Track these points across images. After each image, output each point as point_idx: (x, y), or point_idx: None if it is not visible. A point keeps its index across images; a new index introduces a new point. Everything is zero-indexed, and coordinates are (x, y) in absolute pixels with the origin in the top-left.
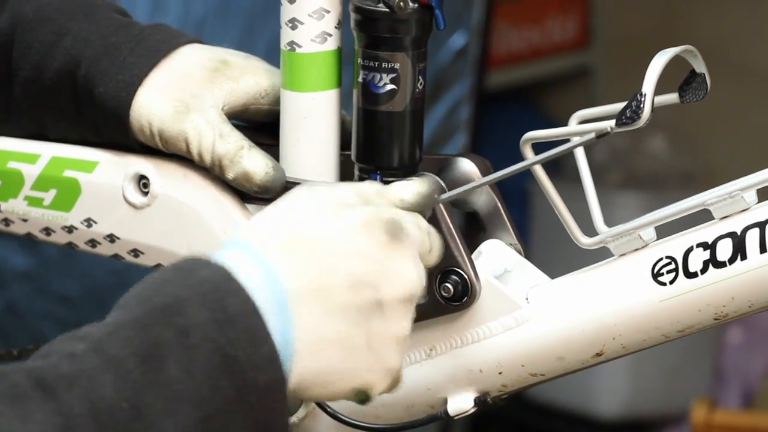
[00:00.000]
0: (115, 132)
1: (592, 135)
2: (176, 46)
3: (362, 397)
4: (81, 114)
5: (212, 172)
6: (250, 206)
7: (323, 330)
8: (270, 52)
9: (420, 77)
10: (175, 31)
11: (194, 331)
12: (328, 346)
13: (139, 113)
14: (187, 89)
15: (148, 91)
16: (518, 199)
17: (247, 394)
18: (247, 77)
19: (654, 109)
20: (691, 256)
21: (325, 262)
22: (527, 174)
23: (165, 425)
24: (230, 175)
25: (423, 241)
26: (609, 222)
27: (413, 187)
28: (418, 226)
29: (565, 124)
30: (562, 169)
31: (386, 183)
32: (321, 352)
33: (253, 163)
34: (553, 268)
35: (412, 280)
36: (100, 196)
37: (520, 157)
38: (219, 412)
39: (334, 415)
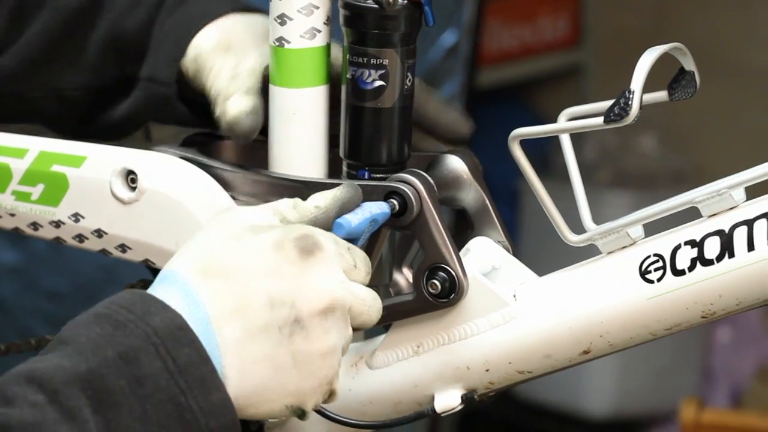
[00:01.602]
0: (170, 57)
1: None
2: (257, 10)
3: (298, 413)
4: (152, 44)
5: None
6: (238, 202)
7: (247, 351)
8: None
9: (409, 74)
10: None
11: (147, 381)
12: (255, 367)
13: (195, 40)
14: (240, 36)
15: (213, 26)
16: (508, 197)
17: None
18: None
19: (642, 107)
20: (678, 253)
21: (240, 283)
22: (517, 172)
23: None
24: (215, 112)
25: (342, 255)
26: (598, 220)
27: (330, 193)
28: (334, 242)
29: (555, 122)
30: (551, 167)
31: (375, 179)
32: (249, 373)
33: (235, 103)
34: (543, 266)
35: (330, 292)
36: (87, 191)
37: (512, 155)
38: None
39: (321, 412)
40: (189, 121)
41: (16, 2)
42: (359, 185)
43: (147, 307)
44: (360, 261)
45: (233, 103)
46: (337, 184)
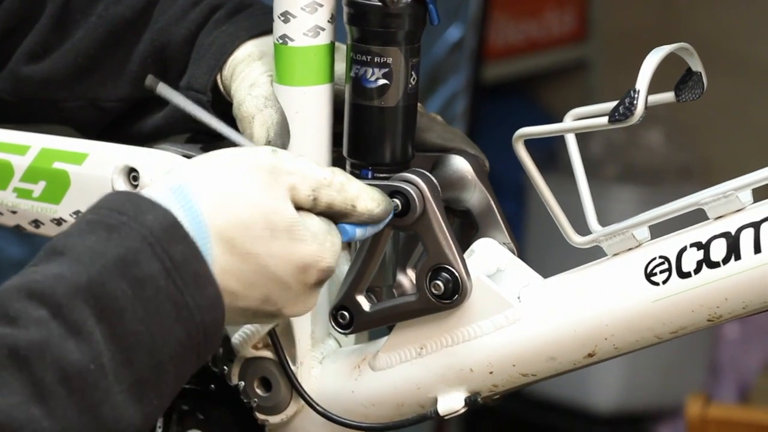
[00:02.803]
0: (209, 66)
1: None
2: None
3: None
4: (194, 54)
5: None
6: None
7: None
8: None
9: (413, 72)
10: None
11: (148, 282)
12: None
13: (235, 53)
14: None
15: (254, 40)
16: (514, 192)
17: (196, 334)
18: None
19: (648, 107)
20: (684, 256)
21: (251, 278)
22: (524, 170)
23: (122, 375)
24: (239, 128)
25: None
26: (605, 215)
27: (371, 203)
28: (337, 260)
29: (562, 117)
30: (558, 163)
31: (378, 179)
32: None
33: (258, 129)
34: (550, 263)
35: (309, 307)
36: (89, 189)
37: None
38: (171, 356)
39: (324, 414)
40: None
41: (60, 8)
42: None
43: (138, 206)
44: None
45: (257, 131)
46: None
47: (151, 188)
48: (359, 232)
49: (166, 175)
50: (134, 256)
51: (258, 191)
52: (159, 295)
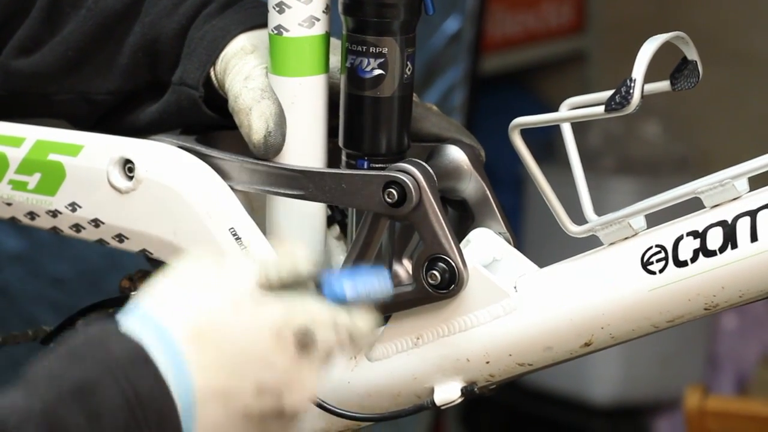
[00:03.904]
0: (202, 61)
1: None
2: None
3: None
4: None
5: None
6: (236, 192)
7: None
8: None
9: (408, 63)
10: None
11: (106, 415)
12: None
13: (227, 47)
14: (266, 40)
15: (246, 34)
16: (512, 183)
17: None
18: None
19: (644, 96)
20: (681, 244)
21: (233, 364)
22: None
23: None
24: (236, 121)
25: (339, 340)
26: (603, 208)
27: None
28: (332, 327)
29: (558, 109)
30: (554, 154)
31: (374, 169)
32: None
33: (256, 120)
34: (547, 253)
35: (313, 389)
36: (84, 180)
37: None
38: None
39: (320, 405)
40: (217, 127)
41: (50, 1)
42: (357, 174)
43: (104, 334)
44: (358, 326)
45: (256, 123)
46: (337, 174)
47: (146, 340)
48: (349, 293)
49: (165, 328)
50: (93, 386)
51: (215, 278)
52: (116, 430)
